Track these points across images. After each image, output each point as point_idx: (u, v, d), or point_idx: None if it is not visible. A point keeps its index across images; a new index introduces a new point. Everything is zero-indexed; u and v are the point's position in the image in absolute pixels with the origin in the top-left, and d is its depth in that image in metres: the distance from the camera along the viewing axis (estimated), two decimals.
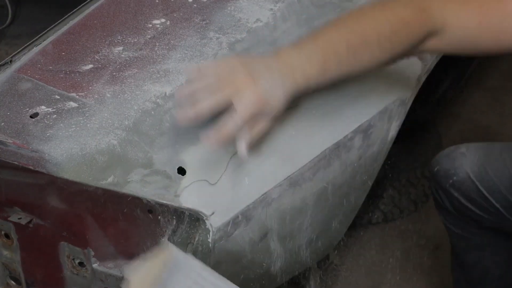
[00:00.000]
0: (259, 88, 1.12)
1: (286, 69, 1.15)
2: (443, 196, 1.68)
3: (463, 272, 1.81)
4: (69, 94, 1.25)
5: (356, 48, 1.18)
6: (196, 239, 1.33)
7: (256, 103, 1.13)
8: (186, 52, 1.31)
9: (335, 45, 1.18)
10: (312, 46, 1.18)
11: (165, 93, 1.27)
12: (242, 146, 1.17)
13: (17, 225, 1.41)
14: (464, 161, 1.62)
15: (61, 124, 1.22)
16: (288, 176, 1.38)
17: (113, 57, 1.30)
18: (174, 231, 1.33)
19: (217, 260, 1.31)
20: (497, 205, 1.58)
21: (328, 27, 1.20)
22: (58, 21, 1.45)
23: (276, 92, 1.14)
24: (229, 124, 1.12)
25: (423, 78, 1.75)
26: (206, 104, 1.12)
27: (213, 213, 1.26)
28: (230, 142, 1.16)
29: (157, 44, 1.33)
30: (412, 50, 1.26)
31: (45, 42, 1.38)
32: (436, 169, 1.68)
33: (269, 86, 1.13)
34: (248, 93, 1.12)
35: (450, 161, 1.65)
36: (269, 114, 1.17)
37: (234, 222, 1.30)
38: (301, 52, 1.17)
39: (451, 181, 1.64)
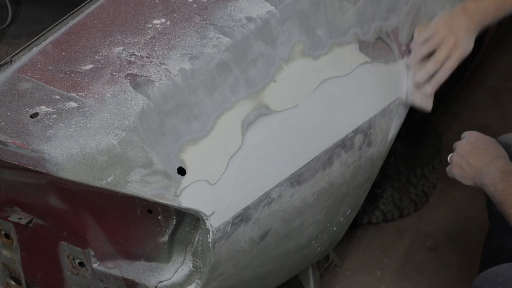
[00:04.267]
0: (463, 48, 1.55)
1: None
2: None
3: (492, 255, 1.81)
4: (69, 94, 1.25)
5: None
6: (196, 239, 1.33)
7: (460, 58, 1.58)
8: (186, 52, 1.31)
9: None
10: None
11: (166, 92, 1.27)
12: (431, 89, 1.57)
13: (17, 225, 1.41)
14: None
15: (61, 124, 1.22)
16: (288, 176, 1.38)
17: (113, 57, 1.30)
18: (174, 231, 1.33)
19: (217, 260, 1.31)
20: None
21: None
22: (58, 21, 1.45)
23: (470, 45, 1.58)
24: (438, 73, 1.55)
25: None
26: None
27: (213, 213, 1.26)
28: None
29: (157, 44, 1.33)
30: None
31: (45, 42, 1.38)
32: (497, 138, 1.70)
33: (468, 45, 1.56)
34: (457, 52, 1.56)
35: None
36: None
37: (234, 222, 1.30)
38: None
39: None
